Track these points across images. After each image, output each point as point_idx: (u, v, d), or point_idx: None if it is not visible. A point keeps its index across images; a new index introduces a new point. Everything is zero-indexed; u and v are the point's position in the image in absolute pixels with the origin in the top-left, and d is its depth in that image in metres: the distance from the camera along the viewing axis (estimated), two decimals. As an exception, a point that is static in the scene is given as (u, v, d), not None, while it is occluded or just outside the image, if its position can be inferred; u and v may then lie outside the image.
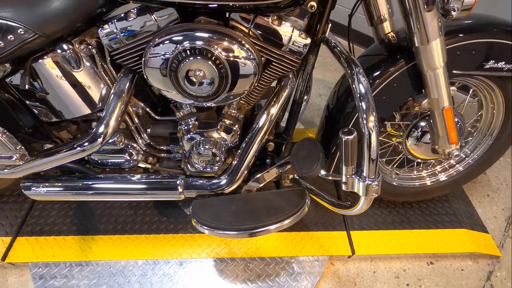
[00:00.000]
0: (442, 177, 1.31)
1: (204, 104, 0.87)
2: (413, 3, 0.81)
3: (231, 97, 0.86)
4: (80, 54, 0.87)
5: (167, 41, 0.77)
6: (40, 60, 0.85)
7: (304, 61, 0.94)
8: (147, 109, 1.03)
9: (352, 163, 0.81)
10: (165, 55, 0.78)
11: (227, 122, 1.00)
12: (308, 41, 0.83)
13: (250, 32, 0.81)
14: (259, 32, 0.81)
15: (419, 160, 1.22)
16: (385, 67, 0.97)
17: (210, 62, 0.77)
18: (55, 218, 1.28)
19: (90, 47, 0.88)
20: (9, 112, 0.92)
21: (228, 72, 0.79)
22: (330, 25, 0.90)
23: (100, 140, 0.90)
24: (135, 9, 0.80)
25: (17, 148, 0.92)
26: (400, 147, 1.20)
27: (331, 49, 0.91)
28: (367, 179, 0.81)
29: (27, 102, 0.93)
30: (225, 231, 0.98)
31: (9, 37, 0.77)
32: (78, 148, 0.92)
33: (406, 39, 0.93)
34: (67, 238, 1.23)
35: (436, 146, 1.08)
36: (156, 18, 0.80)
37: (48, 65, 0.86)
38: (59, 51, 0.83)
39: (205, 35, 0.76)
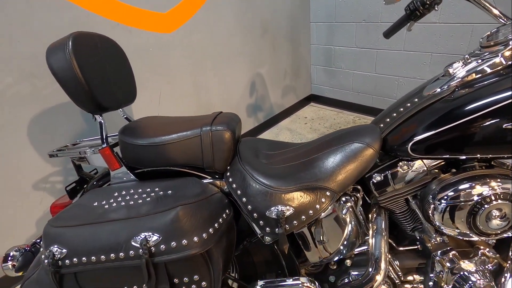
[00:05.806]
0: None
1: (488, 239, 0.89)
2: None
3: None
4: (350, 199, 0.95)
5: (465, 190, 0.82)
6: (326, 212, 0.93)
7: None
8: (390, 241, 1.04)
9: None
10: (465, 202, 0.82)
11: (484, 249, 0.96)
12: None
13: (510, 168, 0.87)
14: None
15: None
16: None
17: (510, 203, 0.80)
18: None
19: (354, 192, 0.97)
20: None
21: None
22: None
23: (379, 277, 0.93)
24: (406, 161, 0.90)
25: None
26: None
27: None
28: None
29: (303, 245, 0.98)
30: None
31: (322, 199, 0.89)
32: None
33: None
34: None
35: None
36: (428, 168, 0.89)
37: (328, 216, 0.94)
38: (341, 203, 0.94)
39: (498, 180, 0.81)
